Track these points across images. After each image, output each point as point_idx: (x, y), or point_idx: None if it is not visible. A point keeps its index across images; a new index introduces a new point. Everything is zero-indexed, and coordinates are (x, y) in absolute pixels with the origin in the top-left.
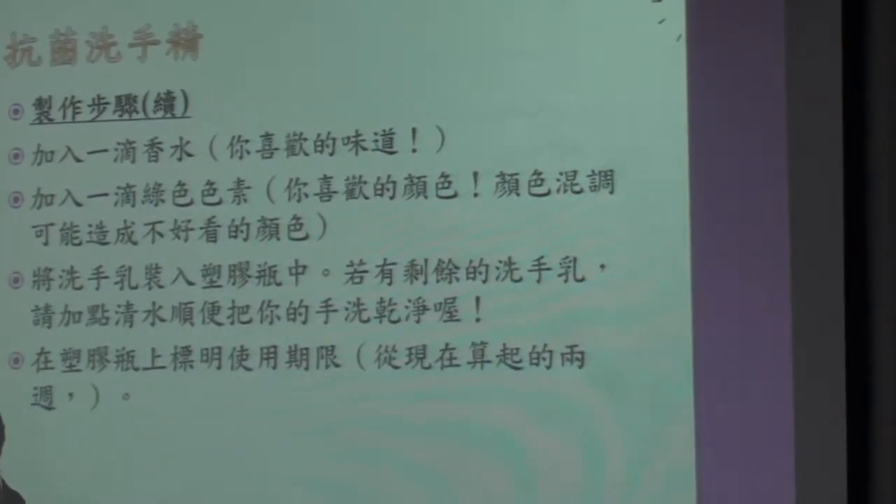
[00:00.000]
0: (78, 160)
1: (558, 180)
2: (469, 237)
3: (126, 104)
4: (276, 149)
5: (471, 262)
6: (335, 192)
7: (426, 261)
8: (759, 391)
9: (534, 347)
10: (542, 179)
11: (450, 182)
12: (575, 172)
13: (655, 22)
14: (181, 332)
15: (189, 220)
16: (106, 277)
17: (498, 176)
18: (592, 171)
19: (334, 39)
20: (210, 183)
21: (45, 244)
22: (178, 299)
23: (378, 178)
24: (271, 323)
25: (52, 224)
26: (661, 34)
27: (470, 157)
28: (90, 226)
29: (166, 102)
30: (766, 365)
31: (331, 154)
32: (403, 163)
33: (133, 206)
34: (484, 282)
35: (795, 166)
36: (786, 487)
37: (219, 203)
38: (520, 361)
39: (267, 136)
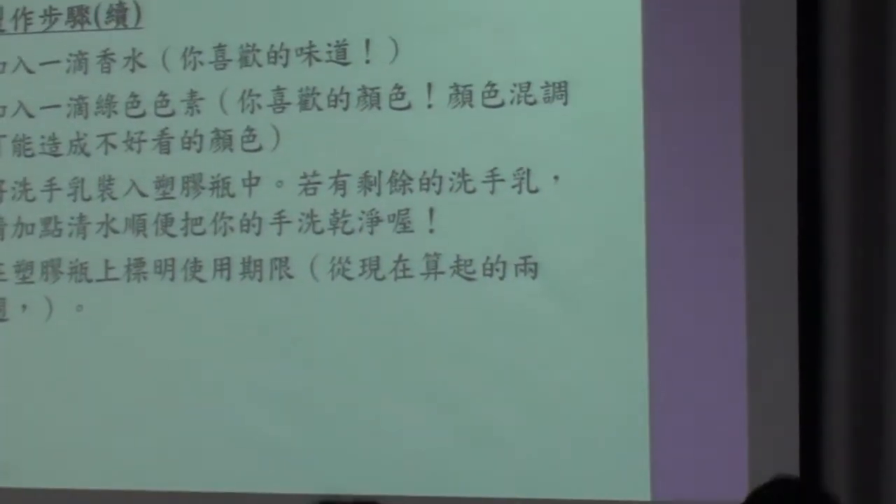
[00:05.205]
0: (30, 71)
1: (512, 91)
2: (422, 148)
3: (78, 15)
4: (230, 60)
5: (424, 173)
6: (288, 103)
7: (380, 172)
8: (712, 300)
9: (487, 259)
10: (496, 91)
11: (403, 93)
12: (529, 84)
13: None
14: (134, 244)
15: (142, 132)
16: (59, 189)
17: (451, 87)
18: (546, 83)
19: None
20: (163, 94)
21: None
22: (131, 211)
23: (331, 90)
24: (224, 234)
25: (3, 136)
26: None
27: (423, 69)
28: (42, 137)
29: (118, 13)
30: (719, 273)
31: (284, 65)
32: (357, 74)
33: (85, 117)
34: (437, 193)
35: (749, 75)
36: (737, 391)
37: (172, 115)
38: (473, 273)
39: (220, 48)
